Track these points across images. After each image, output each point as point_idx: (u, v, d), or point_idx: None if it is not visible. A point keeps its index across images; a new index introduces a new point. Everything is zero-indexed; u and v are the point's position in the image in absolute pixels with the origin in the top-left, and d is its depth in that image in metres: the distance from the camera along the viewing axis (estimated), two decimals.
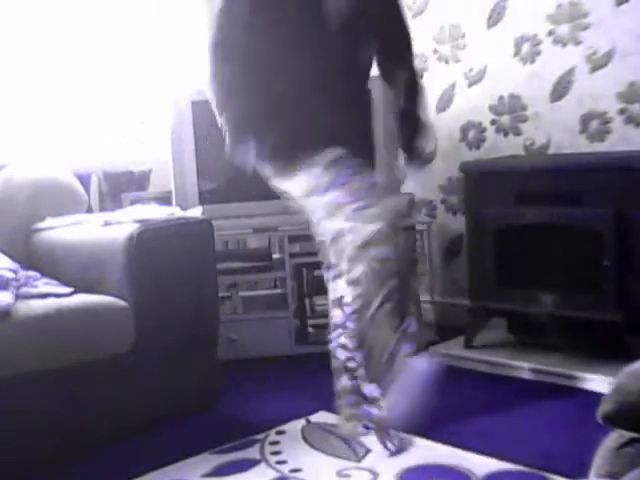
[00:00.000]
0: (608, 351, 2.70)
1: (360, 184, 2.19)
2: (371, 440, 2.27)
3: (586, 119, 3.09)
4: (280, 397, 2.76)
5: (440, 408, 2.58)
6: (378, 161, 2.61)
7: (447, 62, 3.54)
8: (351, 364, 2.28)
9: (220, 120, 2.31)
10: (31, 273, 2.53)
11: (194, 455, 2.27)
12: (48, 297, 2.37)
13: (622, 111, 2.98)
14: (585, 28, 3.05)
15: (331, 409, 2.56)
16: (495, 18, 3.34)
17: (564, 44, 3.12)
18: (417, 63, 2.69)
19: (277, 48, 2.24)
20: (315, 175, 2.22)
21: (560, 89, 3.16)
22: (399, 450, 2.22)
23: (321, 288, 3.25)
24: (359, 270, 2.16)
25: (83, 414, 2.32)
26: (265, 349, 3.10)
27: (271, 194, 2.45)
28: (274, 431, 2.43)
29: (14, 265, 2.53)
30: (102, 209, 3.24)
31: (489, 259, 2.99)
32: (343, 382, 2.32)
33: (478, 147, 3.47)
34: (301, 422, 2.51)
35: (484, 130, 3.43)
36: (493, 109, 3.39)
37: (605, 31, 3.00)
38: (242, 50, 2.23)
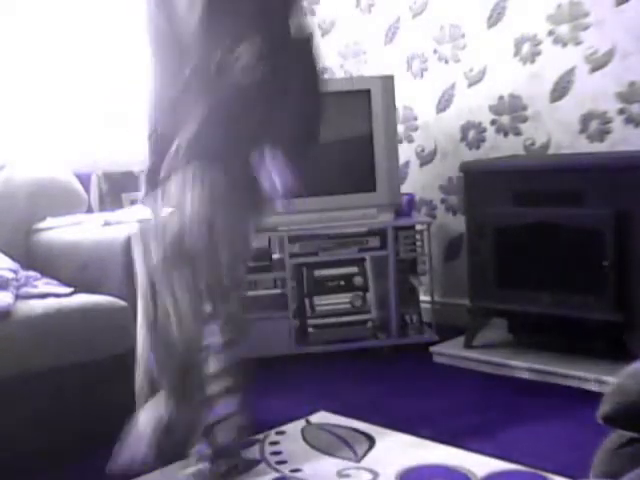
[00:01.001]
0: (608, 351, 2.70)
1: None
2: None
3: (586, 119, 3.09)
4: (280, 397, 2.76)
5: (440, 408, 2.60)
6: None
7: (447, 62, 3.54)
8: None
9: None
10: (31, 273, 2.53)
11: None
12: (48, 297, 2.37)
13: (622, 111, 2.98)
14: (585, 28, 3.05)
15: (331, 409, 2.57)
16: (495, 18, 3.34)
17: (564, 44, 3.12)
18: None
19: None
20: None
21: (560, 89, 3.16)
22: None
23: (321, 288, 3.27)
24: None
25: (83, 414, 2.32)
26: (265, 349, 3.09)
27: None
28: (274, 431, 2.43)
29: (14, 265, 2.53)
30: (102, 209, 3.23)
31: (489, 259, 2.99)
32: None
33: (478, 147, 3.47)
34: (301, 422, 2.50)
35: (484, 130, 3.43)
36: (493, 109, 3.39)
37: (605, 31, 3.00)
38: None
